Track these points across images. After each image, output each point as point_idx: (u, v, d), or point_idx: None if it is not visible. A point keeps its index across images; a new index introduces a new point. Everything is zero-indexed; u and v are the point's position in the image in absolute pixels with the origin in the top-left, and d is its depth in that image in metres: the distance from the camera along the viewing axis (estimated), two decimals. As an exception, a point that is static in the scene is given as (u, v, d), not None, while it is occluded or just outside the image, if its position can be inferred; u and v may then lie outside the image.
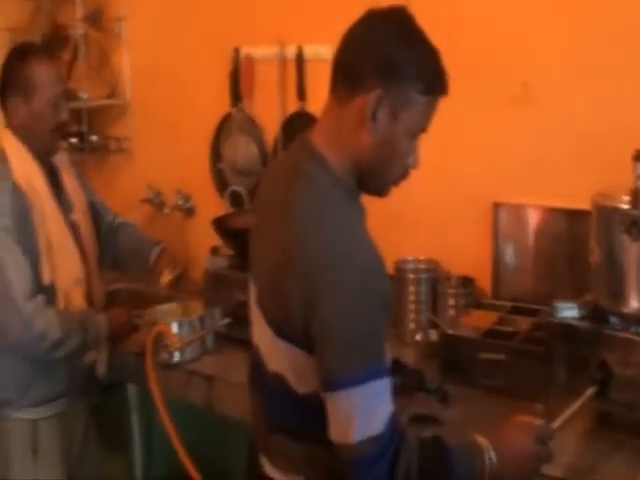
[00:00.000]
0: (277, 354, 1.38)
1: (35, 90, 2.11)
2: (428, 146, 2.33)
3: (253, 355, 1.52)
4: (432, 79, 1.34)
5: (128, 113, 3.22)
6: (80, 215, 2.27)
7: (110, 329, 2.19)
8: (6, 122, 2.19)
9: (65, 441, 2.23)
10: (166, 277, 2.35)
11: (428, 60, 1.34)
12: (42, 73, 2.12)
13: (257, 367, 1.49)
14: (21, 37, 3.35)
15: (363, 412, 1.27)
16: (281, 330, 1.35)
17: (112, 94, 3.24)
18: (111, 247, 2.45)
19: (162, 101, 3.09)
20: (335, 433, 1.30)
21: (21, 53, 2.18)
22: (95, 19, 3.23)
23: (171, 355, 2.11)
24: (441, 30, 2.20)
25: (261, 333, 1.43)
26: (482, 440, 1.39)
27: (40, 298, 2.05)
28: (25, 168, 2.14)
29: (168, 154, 3.00)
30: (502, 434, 1.45)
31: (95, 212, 2.40)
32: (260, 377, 1.49)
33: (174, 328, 2.16)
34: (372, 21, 1.34)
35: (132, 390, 2.45)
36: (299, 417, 1.41)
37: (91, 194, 2.43)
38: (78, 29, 3.19)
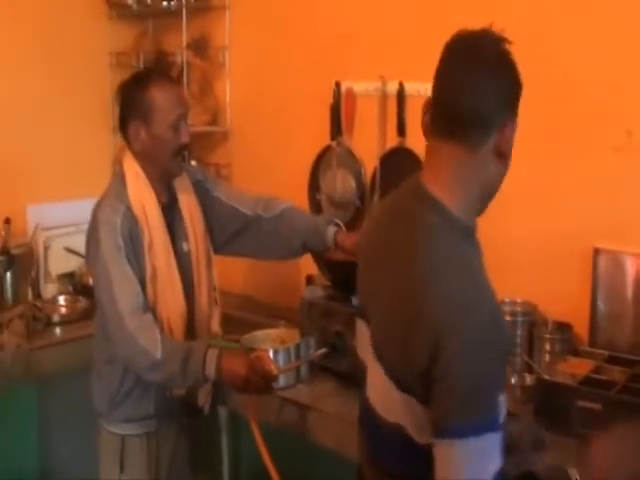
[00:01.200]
0: (396, 406, 1.38)
1: (154, 113, 2.13)
2: (530, 190, 2.35)
3: (364, 401, 1.52)
4: None
5: (228, 140, 3.30)
6: (193, 246, 2.28)
7: (221, 374, 2.06)
8: (128, 147, 2.26)
9: (152, 460, 2.27)
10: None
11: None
12: (160, 96, 2.14)
13: (367, 413, 1.50)
14: (125, 61, 3.50)
15: (474, 464, 1.26)
16: (403, 384, 1.35)
17: (213, 121, 3.32)
18: (260, 240, 2.39)
19: (262, 130, 3.16)
20: None
21: (139, 79, 2.22)
22: (199, 47, 3.32)
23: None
24: (543, 77, 2.23)
25: (378, 384, 1.43)
26: None
27: (148, 316, 2.09)
28: (141, 194, 2.18)
29: (266, 182, 3.05)
30: None
31: (233, 214, 2.38)
32: (370, 423, 1.49)
33: (271, 355, 2.20)
34: (471, 58, 1.36)
35: (223, 413, 2.49)
36: (414, 465, 1.39)
37: (229, 197, 2.40)
38: (182, 56, 3.30)
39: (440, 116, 1.38)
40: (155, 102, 2.14)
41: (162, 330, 2.14)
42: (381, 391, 1.43)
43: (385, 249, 1.44)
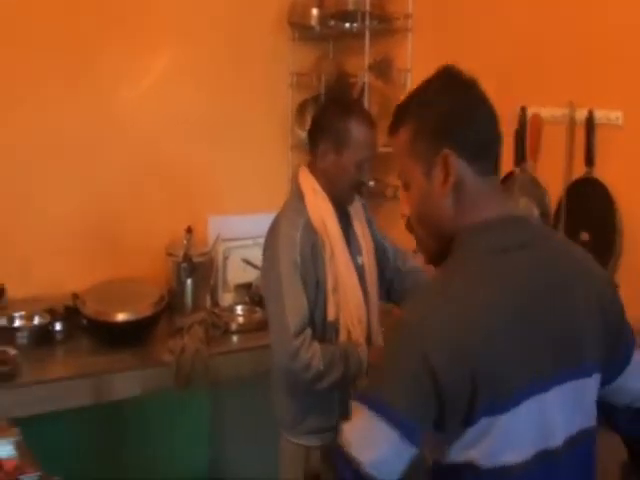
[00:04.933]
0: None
1: (346, 146, 2.22)
2: None
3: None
4: None
5: (407, 162, 3.29)
6: (367, 259, 2.35)
7: (371, 364, 2.21)
8: (310, 162, 2.33)
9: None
10: None
11: None
12: (357, 132, 2.23)
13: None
14: (306, 81, 3.59)
15: None
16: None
17: (392, 143, 3.33)
18: (397, 291, 2.50)
19: (442, 153, 3.14)
20: None
21: (344, 105, 2.33)
22: (381, 69, 3.36)
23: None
24: None
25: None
26: None
27: (307, 332, 2.15)
28: (319, 207, 2.25)
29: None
30: None
31: (382, 255, 2.48)
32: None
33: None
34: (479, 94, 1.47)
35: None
36: None
37: (380, 237, 2.50)
38: (363, 78, 3.35)
39: (487, 158, 1.43)
40: (351, 136, 2.23)
41: (348, 338, 2.23)
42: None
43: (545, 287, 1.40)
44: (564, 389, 1.36)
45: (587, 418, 1.43)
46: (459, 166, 1.39)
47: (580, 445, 1.41)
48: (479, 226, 1.39)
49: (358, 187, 2.31)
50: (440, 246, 1.42)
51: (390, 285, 2.50)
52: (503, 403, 1.29)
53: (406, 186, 1.47)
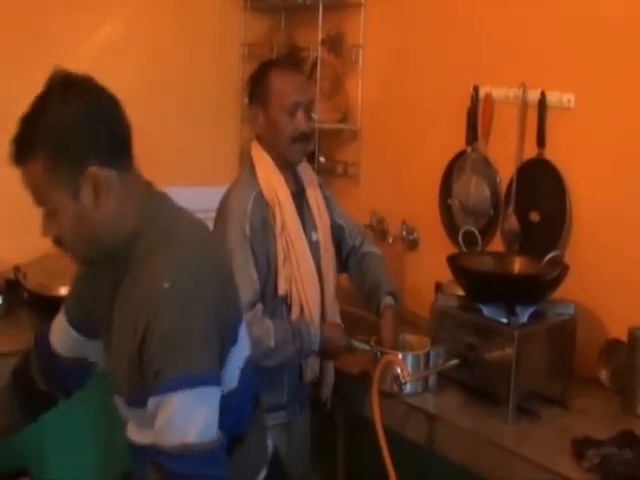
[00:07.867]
0: None
1: (271, 97, 2.19)
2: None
3: None
4: None
5: (358, 139, 3.28)
6: (322, 236, 2.32)
7: (323, 342, 2.19)
8: (253, 131, 2.30)
9: (283, 452, 2.29)
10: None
11: None
12: (278, 81, 2.20)
13: None
14: (258, 52, 3.53)
15: None
16: None
17: (343, 119, 3.31)
18: (351, 272, 2.48)
19: (393, 131, 3.12)
20: None
21: (263, 64, 2.31)
22: (334, 44, 3.31)
23: (400, 387, 2.11)
24: None
25: None
26: None
27: (259, 307, 2.12)
28: (271, 179, 2.21)
29: (395, 184, 3.03)
30: None
31: (339, 234, 2.45)
32: None
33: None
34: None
35: (341, 411, 2.48)
36: None
37: (338, 215, 2.46)
38: (316, 52, 3.29)
39: (125, 153, 1.49)
40: (272, 86, 2.20)
41: (301, 314, 2.21)
42: None
43: None
44: None
45: None
46: (106, 176, 1.41)
47: None
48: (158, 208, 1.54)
49: (299, 139, 2.23)
50: (102, 249, 1.48)
51: (346, 262, 2.49)
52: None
53: (51, 212, 1.45)
